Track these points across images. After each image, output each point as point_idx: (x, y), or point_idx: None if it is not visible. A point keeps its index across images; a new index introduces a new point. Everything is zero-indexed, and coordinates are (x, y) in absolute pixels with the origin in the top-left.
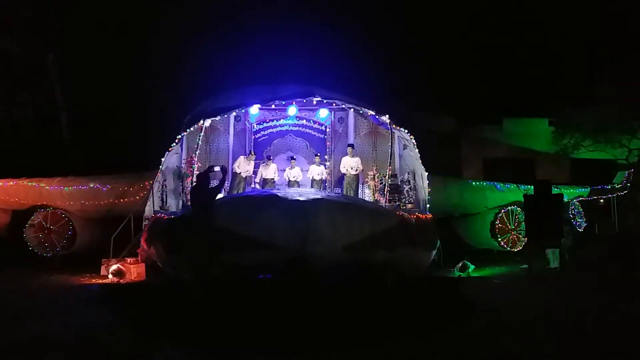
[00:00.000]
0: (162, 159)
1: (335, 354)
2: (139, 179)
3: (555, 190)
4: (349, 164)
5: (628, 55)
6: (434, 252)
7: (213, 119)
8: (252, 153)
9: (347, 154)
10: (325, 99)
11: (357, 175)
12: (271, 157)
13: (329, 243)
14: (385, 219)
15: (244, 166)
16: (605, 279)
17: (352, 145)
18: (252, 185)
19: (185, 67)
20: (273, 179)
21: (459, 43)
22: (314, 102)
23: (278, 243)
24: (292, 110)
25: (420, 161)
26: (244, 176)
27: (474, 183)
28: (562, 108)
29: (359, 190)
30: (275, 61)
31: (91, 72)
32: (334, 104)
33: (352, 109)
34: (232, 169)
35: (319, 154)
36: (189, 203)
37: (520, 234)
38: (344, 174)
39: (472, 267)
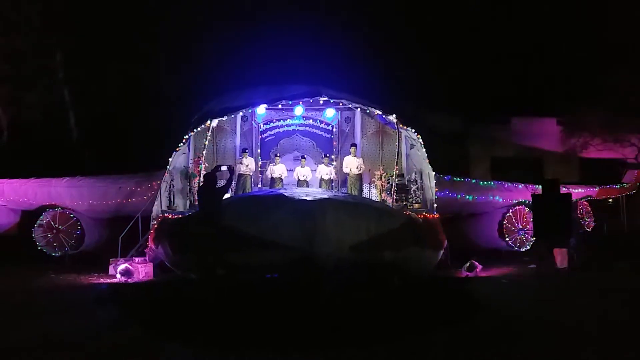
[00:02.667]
0: (170, 159)
1: (342, 354)
2: (147, 179)
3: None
4: (352, 164)
5: (637, 53)
6: (441, 251)
7: (220, 119)
8: (245, 151)
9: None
10: (332, 99)
11: (360, 174)
12: (278, 155)
13: (336, 243)
14: (393, 218)
15: (245, 165)
16: (614, 278)
17: (354, 145)
18: (259, 185)
19: (192, 67)
20: (281, 177)
21: (466, 42)
22: (321, 102)
23: (285, 243)
24: (299, 110)
25: (428, 161)
26: (247, 174)
27: (481, 183)
28: (570, 107)
29: (364, 190)
30: (282, 61)
31: (99, 73)
32: (340, 104)
33: (358, 109)
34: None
35: (327, 155)
36: (197, 203)
37: (528, 233)
38: (347, 174)
39: (479, 266)
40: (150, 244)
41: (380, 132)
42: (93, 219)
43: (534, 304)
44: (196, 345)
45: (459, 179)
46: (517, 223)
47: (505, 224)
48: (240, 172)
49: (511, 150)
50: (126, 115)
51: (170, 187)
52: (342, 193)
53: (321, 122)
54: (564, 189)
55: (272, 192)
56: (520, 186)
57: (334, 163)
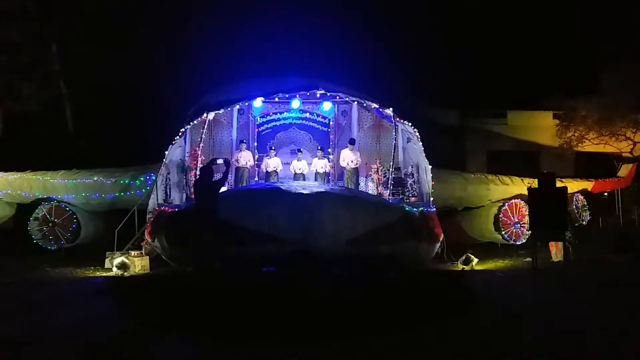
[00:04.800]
0: (166, 152)
1: (339, 347)
2: (143, 172)
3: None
4: (349, 157)
5: (633, 47)
6: (438, 245)
7: (216, 112)
8: (243, 142)
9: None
10: (328, 92)
11: (356, 168)
12: (273, 148)
13: (333, 236)
14: (389, 212)
15: (243, 158)
16: (609, 272)
17: (353, 142)
18: (256, 178)
19: (188, 59)
20: (276, 170)
21: (463, 36)
22: (318, 95)
23: (281, 236)
24: (296, 103)
25: (424, 154)
26: (245, 167)
27: (477, 176)
28: (566, 101)
29: (361, 184)
30: (279, 54)
31: (95, 65)
32: (337, 97)
33: (355, 102)
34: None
35: (321, 148)
36: (193, 196)
37: (523, 227)
38: (344, 168)
39: (475, 260)
40: (147, 237)
41: (377, 126)
42: (89, 212)
43: (530, 297)
44: (193, 339)
45: (455, 172)
46: (513, 216)
47: (501, 218)
48: (239, 165)
49: (507, 144)
50: (122, 108)
51: (166, 181)
52: (339, 186)
53: (318, 115)
54: (559, 182)
55: (269, 185)
56: (516, 179)
57: (331, 156)
